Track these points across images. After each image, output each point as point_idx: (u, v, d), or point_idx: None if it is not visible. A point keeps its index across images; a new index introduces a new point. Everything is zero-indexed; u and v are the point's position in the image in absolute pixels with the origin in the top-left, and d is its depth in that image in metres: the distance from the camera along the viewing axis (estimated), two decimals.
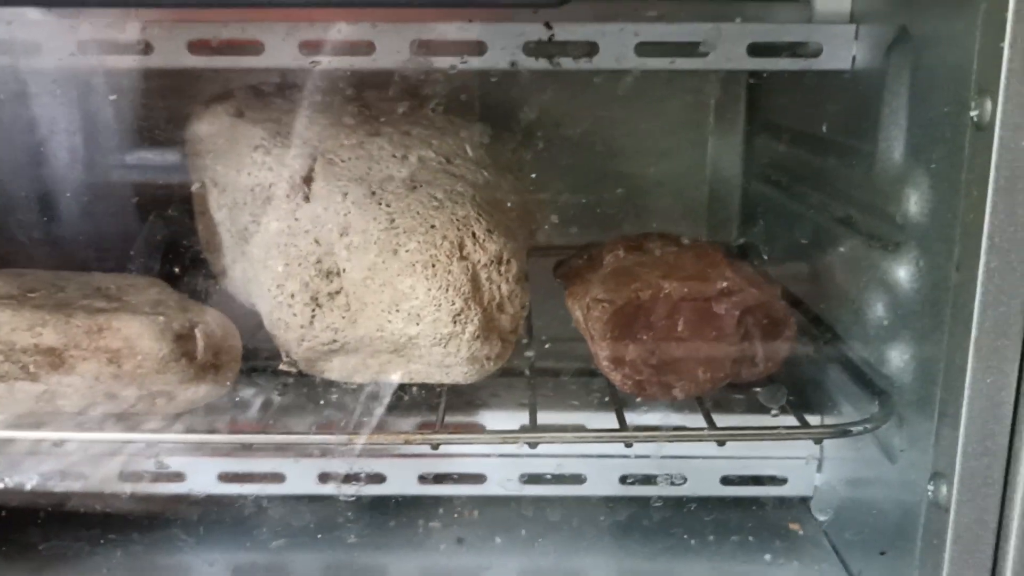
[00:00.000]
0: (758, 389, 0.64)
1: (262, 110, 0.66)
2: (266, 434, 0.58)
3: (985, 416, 0.48)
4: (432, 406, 0.64)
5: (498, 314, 0.59)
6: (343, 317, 0.58)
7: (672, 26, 0.61)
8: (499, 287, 0.58)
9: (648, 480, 0.71)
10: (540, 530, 0.69)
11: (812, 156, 0.73)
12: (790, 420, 0.62)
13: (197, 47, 0.61)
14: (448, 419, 0.62)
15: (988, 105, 0.45)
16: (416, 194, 0.59)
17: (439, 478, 0.71)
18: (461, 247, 0.57)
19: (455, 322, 0.56)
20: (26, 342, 0.54)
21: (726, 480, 0.71)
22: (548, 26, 0.61)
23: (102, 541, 0.66)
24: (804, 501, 0.72)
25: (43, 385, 0.54)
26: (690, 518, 0.71)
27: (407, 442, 0.56)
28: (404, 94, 0.67)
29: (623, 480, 0.71)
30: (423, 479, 0.71)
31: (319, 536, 0.68)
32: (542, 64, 0.61)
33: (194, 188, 0.65)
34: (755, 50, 0.62)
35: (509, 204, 0.65)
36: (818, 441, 0.69)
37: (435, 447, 0.59)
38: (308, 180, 0.60)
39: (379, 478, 0.70)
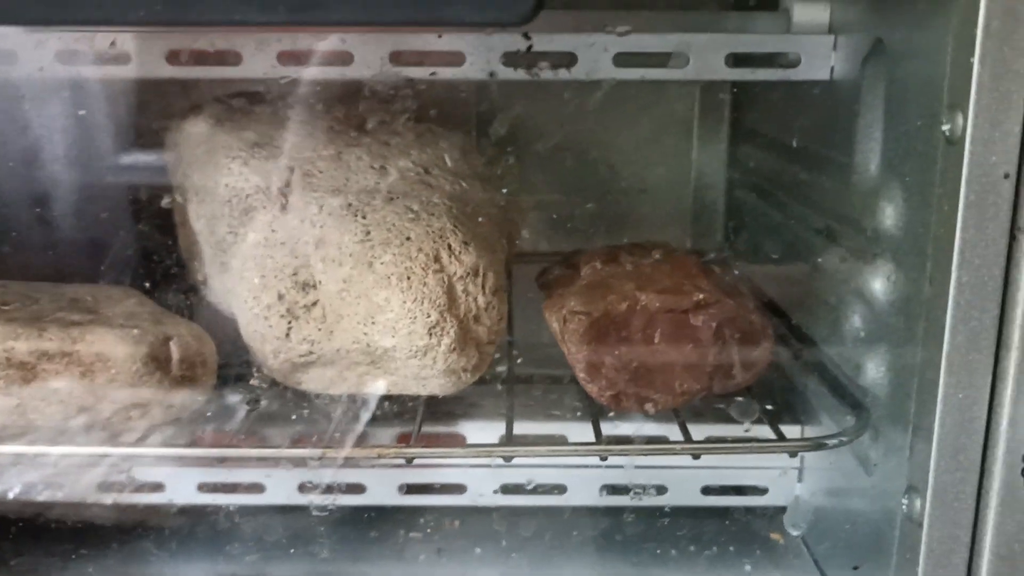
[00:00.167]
0: (730, 403, 0.64)
1: (241, 120, 0.66)
2: (239, 448, 0.58)
3: (957, 431, 0.47)
4: (413, 416, 0.63)
5: (475, 326, 0.58)
6: (319, 329, 0.58)
7: (651, 37, 0.61)
8: (475, 299, 0.58)
9: (629, 491, 0.71)
10: (520, 540, 0.69)
11: (793, 166, 0.73)
12: (766, 431, 0.62)
13: (174, 58, 0.60)
14: (426, 429, 0.62)
15: (959, 119, 0.45)
16: (392, 206, 0.59)
17: (420, 488, 0.71)
18: (436, 259, 0.57)
19: (431, 334, 0.56)
20: None
21: (707, 490, 0.71)
22: (527, 36, 0.60)
23: (73, 556, 0.66)
24: (785, 511, 0.72)
25: (15, 399, 0.54)
26: (671, 528, 0.70)
27: (380, 456, 0.55)
28: (384, 104, 0.67)
29: (604, 490, 0.71)
30: (403, 489, 0.70)
31: (298, 547, 0.68)
32: (520, 75, 0.61)
33: (164, 203, 0.65)
34: (734, 60, 0.62)
35: (488, 214, 0.64)
36: (793, 454, 0.69)
37: (409, 461, 0.58)
38: (285, 191, 0.60)
39: (359, 488, 0.70)
